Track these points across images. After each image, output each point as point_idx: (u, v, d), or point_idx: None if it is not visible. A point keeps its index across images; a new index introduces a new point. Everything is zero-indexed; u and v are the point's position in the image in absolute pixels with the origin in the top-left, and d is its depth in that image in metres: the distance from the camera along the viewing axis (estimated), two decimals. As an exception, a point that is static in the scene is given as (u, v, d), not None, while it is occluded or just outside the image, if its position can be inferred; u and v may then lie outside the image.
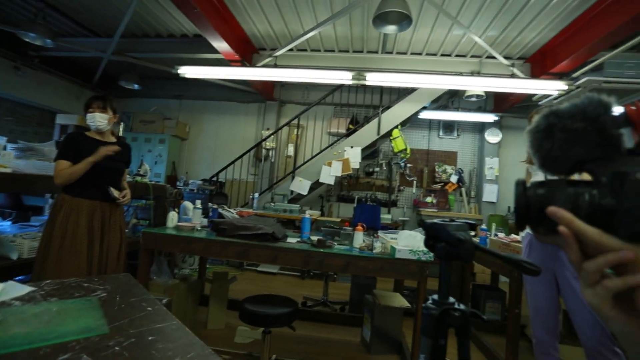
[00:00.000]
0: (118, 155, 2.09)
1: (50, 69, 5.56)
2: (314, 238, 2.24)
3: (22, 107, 5.56)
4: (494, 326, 3.01)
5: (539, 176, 1.83)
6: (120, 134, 4.97)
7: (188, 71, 4.05)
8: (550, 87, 3.70)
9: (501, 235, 2.95)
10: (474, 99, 4.96)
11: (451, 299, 0.63)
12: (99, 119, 2.03)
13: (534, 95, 4.46)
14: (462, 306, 0.62)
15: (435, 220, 0.64)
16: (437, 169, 5.82)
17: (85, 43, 4.94)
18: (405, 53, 4.84)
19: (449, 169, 5.80)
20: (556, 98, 4.17)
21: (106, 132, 2.12)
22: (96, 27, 4.84)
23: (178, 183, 5.39)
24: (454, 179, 5.70)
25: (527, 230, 1.92)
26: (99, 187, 2.01)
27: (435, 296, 0.63)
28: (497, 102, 5.65)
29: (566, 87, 3.59)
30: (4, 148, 2.20)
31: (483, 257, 2.58)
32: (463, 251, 0.60)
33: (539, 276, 1.84)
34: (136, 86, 5.63)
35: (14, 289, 1.03)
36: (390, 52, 4.86)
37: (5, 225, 2.91)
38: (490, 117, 5.43)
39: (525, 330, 2.69)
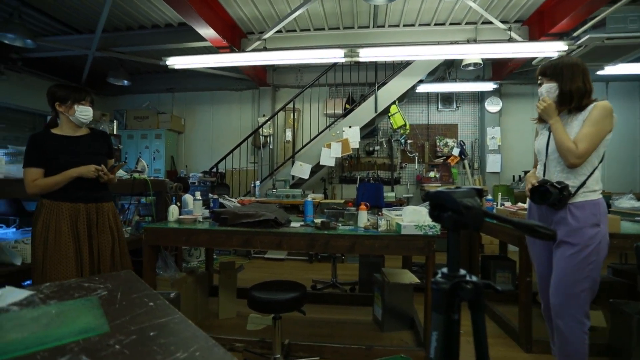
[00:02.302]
0: (95, 147, 1.94)
1: (35, 71, 5.44)
2: (318, 221, 2.21)
3: (11, 112, 5.46)
4: (506, 296, 3.00)
5: (544, 135, 1.73)
6: (115, 132, 4.91)
7: (176, 62, 3.95)
8: (550, 49, 3.57)
9: (507, 204, 2.91)
10: (471, 68, 4.83)
11: (462, 271, 0.59)
12: (92, 114, 1.90)
13: (534, 59, 4.33)
14: (474, 278, 0.58)
15: (440, 189, 0.59)
16: (438, 143, 5.74)
17: (67, 41, 4.81)
18: (397, 25, 4.68)
19: (450, 142, 5.72)
20: (557, 60, 4.04)
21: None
22: (76, 23, 4.68)
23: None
24: (455, 151, 5.62)
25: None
26: (80, 188, 1.84)
27: (445, 269, 0.59)
28: (495, 69, 5.50)
29: (567, 48, 3.47)
30: (-5, 154, 2.15)
31: (491, 227, 2.54)
32: (471, 219, 0.56)
33: (538, 242, 1.74)
34: (126, 82, 5.52)
35: (12, 294, 1.01)
36: (382, 26, 4.70)
37: (9, 232, 2.90)
38: (489, 86, 5.30)
39: (537, 297, 2.68)
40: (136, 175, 3.00)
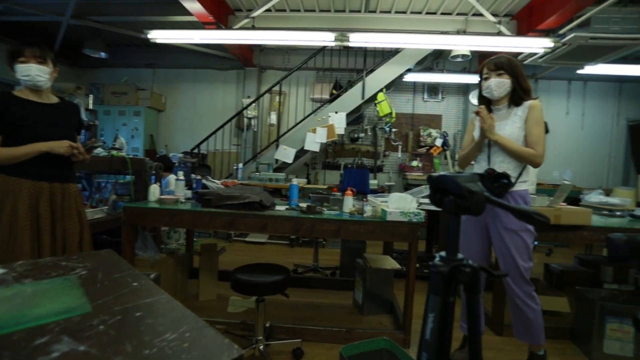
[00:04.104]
0: (67, 119, 1.72)
1: (1, 37, 5.05)
2: (303, 205, 2.20)
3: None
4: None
5: (477, 129, 1.84)
6: (91, 106, 4.67)
7: (159, 36, 3.77)
8: (536, 45, 3.63)
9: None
10: (459, 59, 4.87)
11: (460, 255, 0.59)
12: (37, 72, 1.57)
13: (520, 54, 4.40)
14: (471, 262, 0.58)
15: (444, 173, 0.59)
16: (422, 133, 5.80)
17: (39, 5, 4.47)
18: (389, 12, 4.62)
19: (434, 132, 5.79)
20: (542, 56, 4.12)
21: (45, 90, 1.68)
22: (50, -13, 4.37)
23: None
24: (438, 142, 5.70)
25: None
26: (44, 164, 1.61)
27: (443, 253, 0.59)
28: (482, 62, 5.56)
29: (552, 45, 3.54)
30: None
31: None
32: (474, 203, 0.56)
33: (473, 226, 1.82)
34: (103, 54, 5.23)
35: (-19, 272, 0.95)
36: (374, 11, 4.63)
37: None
38: (474, 79, 5.35)
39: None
40: (114, 152, 2.88)
